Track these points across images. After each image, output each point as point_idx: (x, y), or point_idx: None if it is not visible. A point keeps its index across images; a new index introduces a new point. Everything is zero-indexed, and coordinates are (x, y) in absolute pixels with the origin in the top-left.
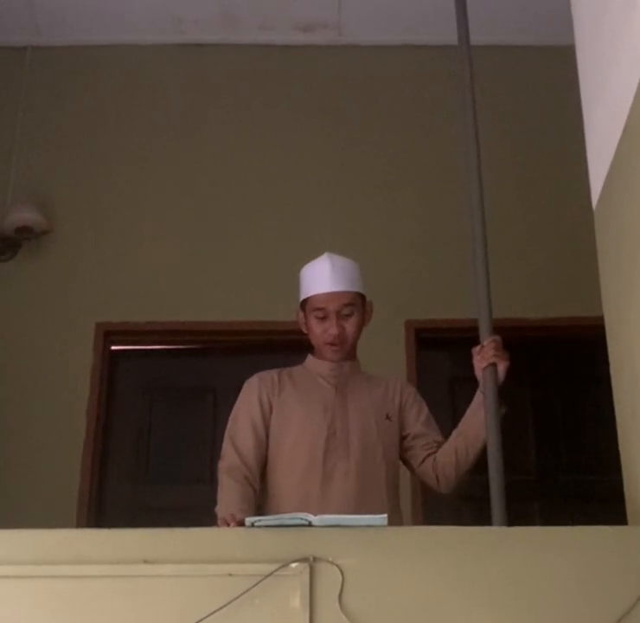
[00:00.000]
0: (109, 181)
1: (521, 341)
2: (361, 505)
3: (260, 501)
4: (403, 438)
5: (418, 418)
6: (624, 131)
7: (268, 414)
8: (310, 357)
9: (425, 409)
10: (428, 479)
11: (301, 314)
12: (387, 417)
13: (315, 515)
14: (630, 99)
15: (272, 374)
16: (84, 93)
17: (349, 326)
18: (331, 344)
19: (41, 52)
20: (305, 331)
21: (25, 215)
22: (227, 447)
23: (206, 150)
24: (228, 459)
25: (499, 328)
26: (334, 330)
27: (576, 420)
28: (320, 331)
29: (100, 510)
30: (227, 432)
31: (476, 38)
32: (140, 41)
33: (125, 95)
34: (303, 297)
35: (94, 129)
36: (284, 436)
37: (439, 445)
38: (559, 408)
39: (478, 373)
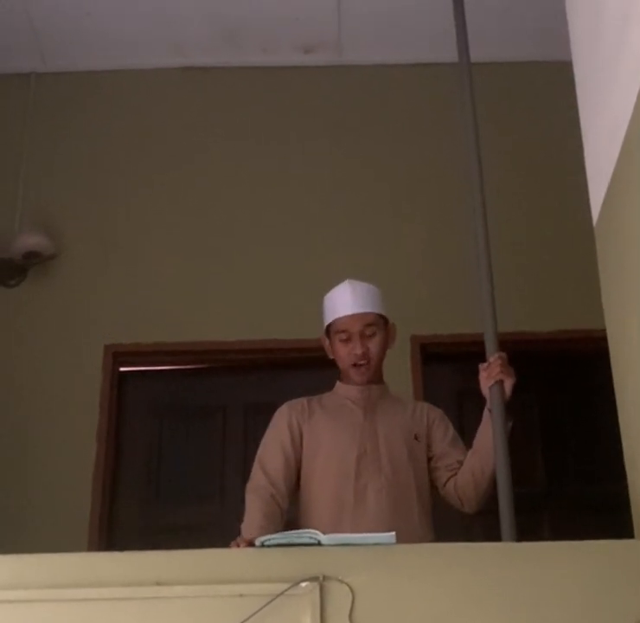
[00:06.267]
0: (115, 204)
1: (527, 354)
2: (394, 522)
3: (296, 523)
4: (429, 459)
5: (443, 438)
6: (622, 148)
7: (298, 438)
8: (338, 383)
9: (451, 430)
10: (453, 501)
11: (327, 341)
12: (416, 437)
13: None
14: (628, 116)
15: (302, 401)
16: (89, 118)
17: (373, 346)
18: (357, 365)
19: (46, 78)
20: (332, 357)
21: (33, 241)
22: (255, 469)
23: (210, 172)
24: (255, 479)
25: (506, 341)
26: (358, 350)
27: (584, 431)
28: (345, 353)
29: (111, 531)
30: (257, 456)
31: (476, 55)
32: (143, 65)
33: (130, 119)
34: (326, 322)
35: (100, 153)
36: (316, 457)
37: (462, 465)
38: (566, 420)
39: (485, 390)
